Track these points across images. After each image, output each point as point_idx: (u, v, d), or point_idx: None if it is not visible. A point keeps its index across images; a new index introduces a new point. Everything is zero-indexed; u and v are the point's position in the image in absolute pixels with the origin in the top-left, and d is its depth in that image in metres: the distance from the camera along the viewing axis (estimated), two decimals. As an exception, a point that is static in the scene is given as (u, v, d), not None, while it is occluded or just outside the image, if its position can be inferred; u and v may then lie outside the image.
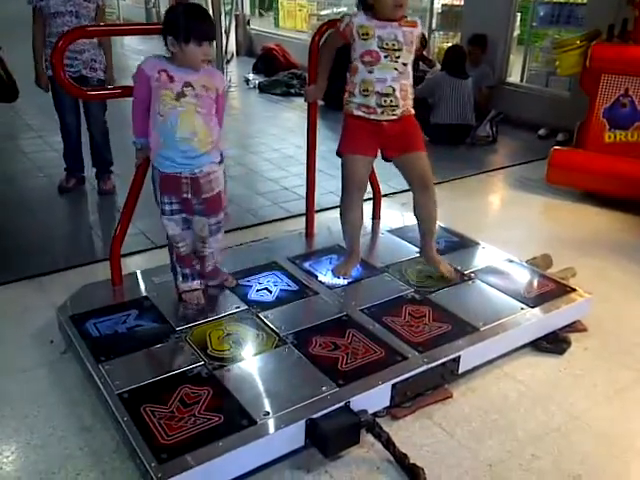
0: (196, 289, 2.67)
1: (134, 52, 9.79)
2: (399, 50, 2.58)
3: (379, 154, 2.79)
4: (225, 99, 2.55)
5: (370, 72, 2.59)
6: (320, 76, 2.84)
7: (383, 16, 2.56)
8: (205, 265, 2.72)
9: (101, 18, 4.14)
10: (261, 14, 13.67)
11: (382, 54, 2.57)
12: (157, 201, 2.52)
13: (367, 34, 2.56)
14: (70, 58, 3.94)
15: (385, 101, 2.61)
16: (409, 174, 2.78)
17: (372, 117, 2.64)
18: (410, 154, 2.73)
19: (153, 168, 2.48)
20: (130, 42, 10.76)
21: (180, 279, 2.67)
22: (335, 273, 2.90)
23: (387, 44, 2.56)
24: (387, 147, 2.73)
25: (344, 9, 10.26)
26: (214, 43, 2.37)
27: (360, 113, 2.64)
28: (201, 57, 2.30)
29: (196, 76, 2.34)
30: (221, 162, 2.53)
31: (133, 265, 3.20)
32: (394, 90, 2.61)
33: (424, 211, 2.84)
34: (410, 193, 2.87)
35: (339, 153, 2.76)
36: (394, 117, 2.65)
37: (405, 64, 2.62)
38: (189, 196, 2.47)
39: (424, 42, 6.61)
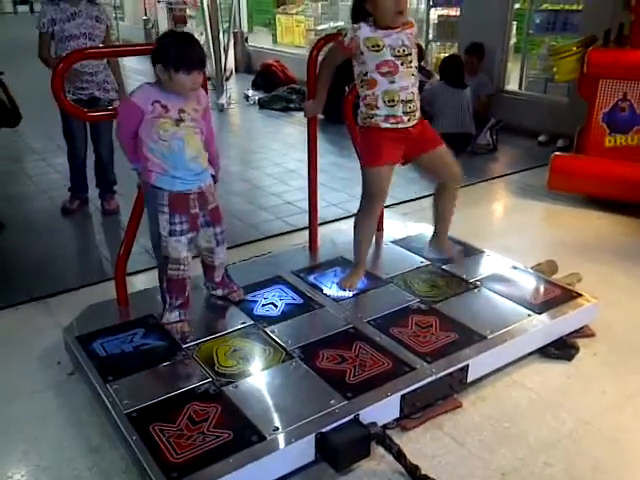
0: (175, 321, 2.58)
1: (135, 72, 9.86)
2: (409, 55, 2.62)
3: None
4: (210, 112, 2.57)
5: (392, 82, 2.61)
6: (319, 91, 2.86)
7: (384, 25, 2.57)
8: (215, 275, 2.76)
9: (108, 39, 4.19)
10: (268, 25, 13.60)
11: (398, 62, 2.60)
12: (156, 224, 2.45)
13: (378, 45, 2.57)
14: (87, 81, 4.02)
15: (409, 107, 2.66)
16: (437, 169, 2.83)
17: (400, 126, 2.66)
18: (434, 150, 2.77)
19: (156, 191, 2.41)
20: (128, 63, 10.84)
21: (166, 308, 2.60)
22: (341, 286, 2.90)
23: (399, 51, 2.59)
24: (410, 150, 2.75)
25: (341, 23, 10.33)
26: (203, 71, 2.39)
27: (388, 125, 2.65)
28: (190, 85, 2.31)
29: (186, 101, 2.37)
30: None
31: (139, 284, 3.21)
32: (414, 95, 2.67)
33: (450, 202, 2.92)
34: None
35: (363, 164, 2.78)
36: (416, 121, 2.70)
37: (416, 66, 2.68)
38: (197, 210, 2.49)
39: (422, 54, 6.65)
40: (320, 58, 2.92)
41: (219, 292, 2.82)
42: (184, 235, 2.47)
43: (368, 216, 2.84)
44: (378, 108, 2.64)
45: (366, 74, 2.64)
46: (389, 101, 2.62)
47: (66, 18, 3.95)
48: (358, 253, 2.93)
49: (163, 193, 2.41)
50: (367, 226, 2.87)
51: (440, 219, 3.01)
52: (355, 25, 2.60)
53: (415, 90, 2.68)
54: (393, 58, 2.58)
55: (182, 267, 2.52)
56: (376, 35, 2.57)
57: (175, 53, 2.26)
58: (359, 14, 2.61)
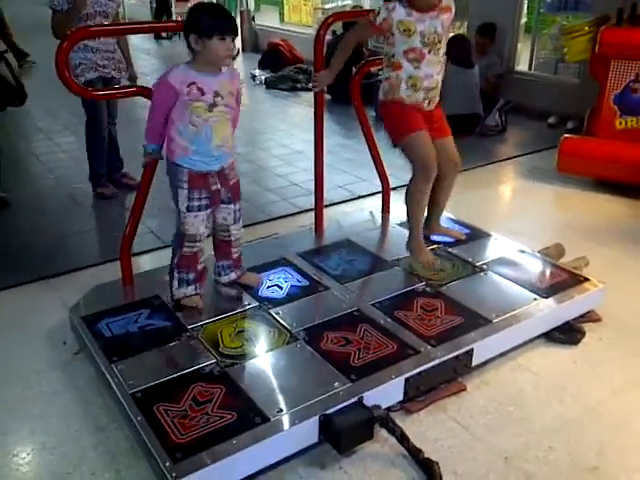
0: (191, 295, 2.61)
1: (142, 52, 9.81)
2: (439, 42, 2.61)
3: None
4: (240, 95, 2.54)
5: (417, 68, 2.62)
6: (336, 62, 2.79)
7: (420, 6, 2.54)
8: (232, 251, 2.72)
9: (117, 17, 4.16)
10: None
11: (425, 50, 2.59)
12: (177, 199, 2.47)
13: (409, 30, 2.55)
14: (108, 59, 3.99)
15: (431, 94, 2.70)
16: (444, 156, 2.83)
17: (419, 107, 2.72)
18: (445, 138, 2.83)
19: (177, 167, 2.42)
20: (135, 41, 10.77)
21: (175, 285, 2.60)
22: (429, 266, 2.89)
23: (429, 39, 2.58)
24: (429, 130, 2.77)
25: (349, 2, 10.21)
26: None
27: (411, 102, 2.70)
28: (224, 52, 2.30)
29: (220, 80, 2.35)
30: None
31: (144, 264, 3.21)
32: (437, 83, 2.70)
33: (447, 191, 2.98)
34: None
35: (398, 138, 2.76)
36: (434, 106, 2.77)
37: (444, 54, 2.68)
38: (218, 186, 2.50)
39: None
40: (328, 37, 2.88)
41: (232, 276, 2.75)
42: (202, 211, 2.48)
43: (423, 189, 2.81)
44: (401, 90, 2.67)
45: (393, 56, 2.64)
46: (412, 85, 2.65)
47: None
48: (416, 229, 2.94)
49: (183, 170, 2.42)
50: (422, 201, 2.86)
51: (434, 205, 3.03)
52: (390, 5, 2.56)
53: (439, 77, 2.70)
54: (421, 46, 2.58)
55: (197, 244, 2.55)
56: (410, 19, 2.55)
57: (208, 21, 2.27)
58: None
